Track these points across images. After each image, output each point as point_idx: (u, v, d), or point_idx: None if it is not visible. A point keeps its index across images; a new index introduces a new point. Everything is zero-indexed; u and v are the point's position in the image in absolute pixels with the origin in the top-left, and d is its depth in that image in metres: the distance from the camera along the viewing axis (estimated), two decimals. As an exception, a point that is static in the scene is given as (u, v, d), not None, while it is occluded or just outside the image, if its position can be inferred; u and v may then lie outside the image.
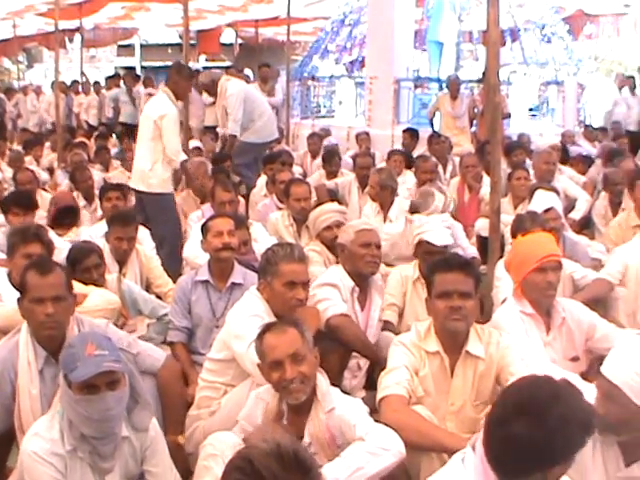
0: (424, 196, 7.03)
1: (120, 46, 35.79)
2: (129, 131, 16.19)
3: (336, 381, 4.44)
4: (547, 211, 6.62)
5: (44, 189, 10.10)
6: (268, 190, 9.35)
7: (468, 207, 9.36)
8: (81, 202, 8.92)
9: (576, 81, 17.32)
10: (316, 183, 9.98)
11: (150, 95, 17.43)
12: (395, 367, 4.05)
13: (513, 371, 3.99)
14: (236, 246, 5.77)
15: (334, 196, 9.50)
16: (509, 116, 13.89)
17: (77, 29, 22.48)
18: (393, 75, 15.44)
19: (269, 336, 3.75)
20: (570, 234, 7.18)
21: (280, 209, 8.10)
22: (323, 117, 18.10)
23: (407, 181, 9.65)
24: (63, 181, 10.60)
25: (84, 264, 5.48)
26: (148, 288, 6.53)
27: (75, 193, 9.16)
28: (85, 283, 5.13)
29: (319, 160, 11.74)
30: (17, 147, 14.63)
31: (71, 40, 25.34)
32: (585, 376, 4.34)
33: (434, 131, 13.22)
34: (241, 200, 8.76)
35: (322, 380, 3.79)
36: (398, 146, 12.99)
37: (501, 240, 6.53)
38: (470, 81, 15.44)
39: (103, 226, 6.79)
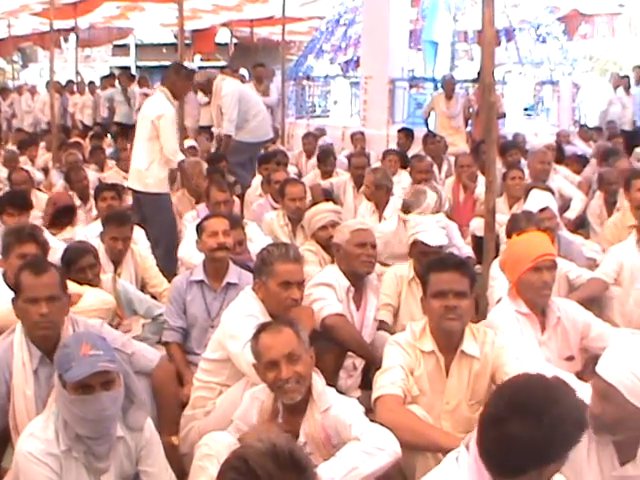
0: (416, 194, 7.03)
1: (115, 46, 35.79)
2: (124, 131, 16.18)
3: (331, 381, 4.43)
4: (542, 211, 6.62)
5: (39, 189, 10.08)
6: (263, 190, 9.34)
7: (463, 207, 9.37)
8: (76, 202, 8.90)
9: (571, 81, 17.34)
10: (311, 183, 9.99)
11: (145, 95, 17.47)
12: (390, 367, 4.05)
13: (508, 370, 3.99)
14: (231, 246, 5.76)
15: (329, 196, 9.51)
16: (504, 116, 13.92)
17: (72, 29, 22.45)
18: (388, 75, 15.46)
19: (264, 336, 3.74)
20: (565, 233, 7.18)
21: (275, 209, 8.10)
22: (318, 117, 18.10)
23: (402, 181, 9.65)
24: (58, 181, 10.58)
25: (79, 264, 5.47)
26: (143, 288, 6.52)
27: (70, 193, 9.15)
28: (80, 283, 5.12)
29: (314, 160, 11.76)
30: (12, 147, 14.60)
31: (66, 40, 25.34)
32: (580, 375, 4.34)
33: (429, 131, 13.22)
34: (236, 200, 8.76)
35: (318, 380, 3.78)
36: (393, 146, 12.99)
37: (496, 240, 6.52)
38: (465, 81, 15.47)
39: (98, 226, 6.78)
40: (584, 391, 3.11)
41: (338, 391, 3.97)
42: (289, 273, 4.64)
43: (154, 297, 6.34)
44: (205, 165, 9.51)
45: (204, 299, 5.64)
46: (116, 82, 19.49)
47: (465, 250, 7.30)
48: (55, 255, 5.65)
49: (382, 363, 4.15)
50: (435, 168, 10.72)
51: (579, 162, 11.51)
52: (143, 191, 8.01)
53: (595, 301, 5.89)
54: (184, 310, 5.67)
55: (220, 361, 4.64)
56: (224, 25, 25.79)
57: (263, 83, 15.58)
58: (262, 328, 3.81)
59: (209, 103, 11.93)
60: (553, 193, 7.64)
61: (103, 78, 21.64)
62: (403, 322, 5.38)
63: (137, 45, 36.76)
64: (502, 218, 6.93)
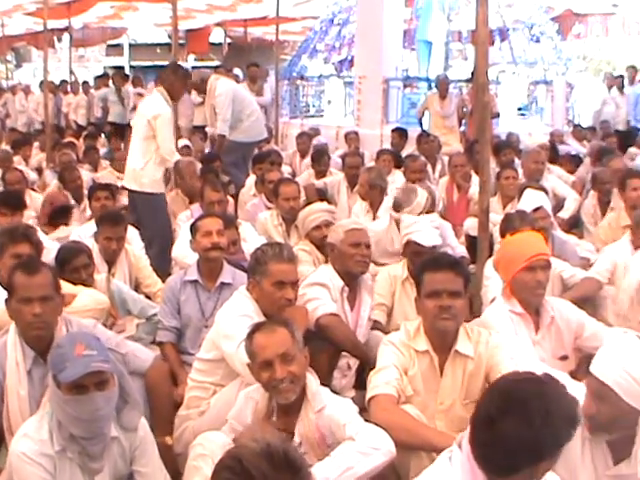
0: (406, 193, 7.02)
1: (109, 46, 35.79)
2: (118, 131, 16.16)
3: (326, 381, 4.44)
4: (536, 210, 6.62)
5: (33, 189, 10.07)
6: (257, 190, 9.34)
7: (457, 206, 9.37)
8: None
9: (565, 80, 17.37)
10: (305, 183, 10.00)
11: (139, 95, 17.53)
12: (384, 366, 4.05)
13: (502, 370, 3.98)
14: (225, 246, 5.76)
15: (323, 195, 9.51)
16: (498, 115, 13.94)
17: (66, 28, 22.38)
18: (382, 74, 15.44)
19: (259, 336, 3.74)
20: (559, 233, 7.19)
21: (269, 209, 8.10)
22: (312, 117, 18.09)
23: (396, 180, 9.64)
24: (52, 181, 10.55)
25: (73, 264, 5.47)
26: (137, 288, 6.52)
27: (64, 193, 9.13)
28: (74, 283, 5.11)
29: (308, 160, 11.75)
30: (5, 147, 14.54)
31: (60, 40, 25.33)
32: (574, 375, 4.35)
33: (423, 130, 13.22)
34: (230, 200, 8.76)
35: (312, 380, 3.79)
36: (387, 145, 12.98)
37: (490, 239, 6.54)
38: (459, 80, 15.46)
39: (92, 226, 6.76)
40: (578, 390, 3.11)
41: (332, 391, 3.97)
42: (283, 273, 4.64)
43: (148, 297, 6.34)
44: (199, 165, 9.50)
45: (198, 299, 5.64)
46: (110, 82, 19.43)
47: (459, 250, 7.30)
48: (49, 255, 5.64)
49: (376, 363, 4.15)
50: (429, 168, 10.72)
51: (573, 162, 11.53)
52: (138, 190, 7.99)
53: (589, 301, 5.90)
54: (178, 310, 5.67)
55: (214, 361, 4.64)
56: (218, 25, 25.76)
57: (257, 83, 15.58)
58: (256, 328, 3.81)
59: (203, 103, 11.94)
60: (547, 193, 7.65)
61: (97, 78, 21.60)
62: (397, 322, 5.39)
63: (131, 45, 36.76)
64: (496, 218, 6.94)
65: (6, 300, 4.11)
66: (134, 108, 17.13)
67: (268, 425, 3.72)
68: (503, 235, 6.06)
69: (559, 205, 9.07)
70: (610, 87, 17.29)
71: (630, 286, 5.78)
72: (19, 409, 4.00)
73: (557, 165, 10.84)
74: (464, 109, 13.73)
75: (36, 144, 14.44)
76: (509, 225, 6.14)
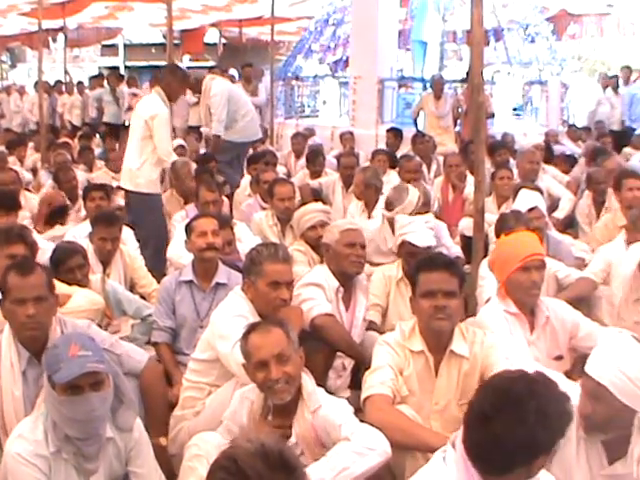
0: (398, 191, 7.02)
1: (104, 46, 35.74)
2: (113, 131, 16.18)
3: (321, 381, 4.44)
4: (531, 210, 6.62)
5: (27, 189, 10.05)
6: (252, 190, 9.34)
7: (452, 206, 9.38)
8: (64, 202, 8.90)
9: (560, 81, 17.37)
10: (300, 183, 9.99)
11: (134, 95, 17.51)
12: (379, 366, 4.05)
13: (497, 370, 3.98)
14: (220, 246, 5.76)
15: (318, 196, 9.51)
16: (493, 116, 13.92)
17: (60, 29, 22.38)
18: (377, 75, 15.45)
19: (254, 336, 3.74)
20: (554, 233, 7.19)
21: (264, 209, 8.10)
22: (307, 117, 18.08)
23: (391, 180, 9.61)
24: (47, 181, 10.53)
25: (68, 264, 5.46)
26: (132, 288, 6.51)
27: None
28: (69, 284, 5.11)
29: (303, 160, 11.74)
30: (0, 147, 14.54)
31: (54, 40, 25.25)
32: (569, 375, 4.36)
33: (418, 131, 13.24)
34: (225, 200, 8.75)
35: (307, 380, 3.79)
36: (382, 146, 12.99)
37: (485, 239, 6.55)
38: (454, 81, 15.45)
39: (87, 226, 6.76)
40: (573, 391, 3.12)
41: (327, 391, 3.96)
42: (278, 273, 4.64)
43: (143, 297, 6.33)
44: (194, 165, 9.50)
45: (193, 299, 5.64)
46: (105, 82, 19.46)
47: (454, 250, 7.30)
48: (44, 256, 5.63)
49: (371, 363, 4.16)
50: (424, 168, 10.73)
51: (568, 162, 11.54)
52: (134, 191, 7.98)
53: (584, 301, 5.91)
54: (173, 310, 5.66)
55: (209, 361, 4.64)
56: (213, 25, 25.74)
57: (252, 83, 15.60)
58: (251, 328, 3.81)
59: (198, 103, 11.92)
60: (542, 193, 7.65)
61: (92, 78, 21.60)
62: (392, 322, 5.39)
63: (126, 45, 36.75)
64: (491, 218, 6.94)
65: (0, 301, 4.10)
66: (129, 108, 17.18)
67: (264, 425, 3.72)
68: (498, 235, 6.06)
69: (554, 205, 9.08)
70: (605, 87, 17.28)
71: (625, 278, 5.78)
72: (14, 410, 3.99)
73: (552, 165, 10.85)
74: (459, 109, 13.73)
75: (31, 144, 14.41)
76: (504, 225, 6.14)
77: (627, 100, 16.81)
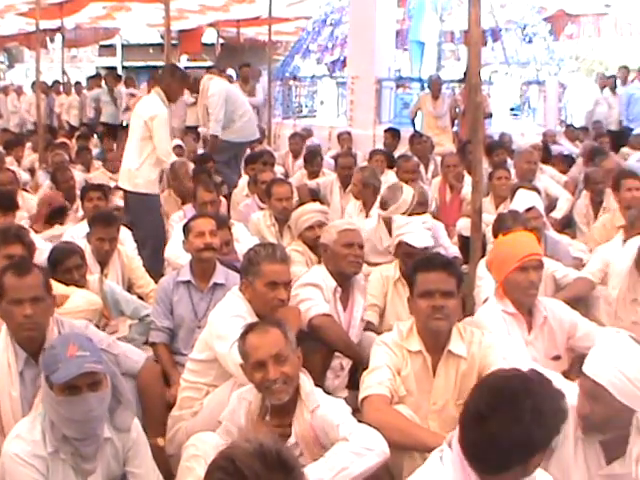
0: (392, 190, 7.03)
1: (101, 46, 35.75)
2: (110, 131, 16.17)
3: (319, 381, 4.43)
4: (528, 210, 6.63)
5: (25, 190, 10.04)
6: (250, 190, 9.33)
7: (450, 207, 9.38)
8: (62, 203, 8.89)
9: (557, 81, 17.37)
10: (298, 183, 10.00)
11: (132, 95, 17.49)
12: (377, 367, 4.05)
13: (495, 370, 4.00)
14: (218, 246, 5.76)
15: (316, 196, 9.51)
16: (490, 116, 13.94)
17: (58, 29, 22.36)
18: (375, 75, 15.43)
19: (252, 336, 3.74)
20: (551, 233, 7.19)
21: (262, 209, 8.09)
22: (305, 117, 18.06)
23: (389, 181, 9.58)
24: (44, 182, 10.53)
25: (65, 265, 5.46)
26: (130, 289, 6.51)
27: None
28: (66, 284, 5.11)
29: (301, 160, 11.75)
30: (-2, 148, 14.56)
31: (52, 40, 25.28)
32: (567, 375, 4.35)
33: (416, 131, 13.23)
34: (223, 200, 8.75)
35: (305, 380, 3.78)
36: (380, 146, 12.98)
37: (483, 239, 6.54)
38: (452, 81, 15.46)
39: (84, 227, 6.75)
40: (571, 391, 3.12)
41: (325, 391, 3.97)
42: (276, 273, 4.64)
43: (141, 298, 6.33)
44: (191, 165, 9.50)
45: (191, 299, 5.64)
46: (102, 82, 19.42)
47: (452, 250, 7.30)
48: (41, 256, 5.63)
49: (369, 363, 4.15)
50: (422, 168, 10.73)
51: (565, 162, 11.55)
52: (132, 191, 7.98)
53: (582, 301, 5.91)
54: (171, 311, 5.66)
55: (207, 362, 4.63)
56: (211, 25, 25.75)
57: (249, 83, 15.58)
58: (249, 328, 3.81)
59: (196, 103, 11.93)
60: (539, 193, 7.65)
61: (89, 78, 21.58)
62: (389, 322, 5.40)
63: (123, 45, 36.69)
64: (489, 218, 6.95)
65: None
66: (127, 108, 17.19)
67: (262, 426, 3.72)
68: (496, 235, 6.05)
69: (551, 205, 9.08)
70: (602, 87, 17.30)
71: (621, 274, 5.78)
72: (11, 410, 3.99)
73: (550, 165, 10.86)
74: (457, 109, 13.74)
75: (28, 145, 14.39)
76: (502, 225, 6.14)
77: (625, 100, 16.81)
